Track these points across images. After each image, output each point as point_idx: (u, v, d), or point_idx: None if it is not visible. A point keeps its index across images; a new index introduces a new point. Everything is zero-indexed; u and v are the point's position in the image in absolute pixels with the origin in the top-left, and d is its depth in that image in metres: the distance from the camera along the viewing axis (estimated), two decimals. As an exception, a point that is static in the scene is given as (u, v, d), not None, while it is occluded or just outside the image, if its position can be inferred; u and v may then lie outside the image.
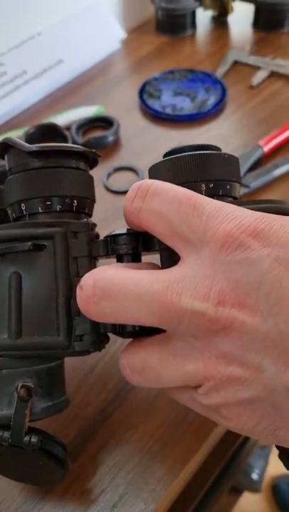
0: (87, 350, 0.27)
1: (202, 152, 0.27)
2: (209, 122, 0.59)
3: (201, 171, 0.27)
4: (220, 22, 0.76)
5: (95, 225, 0.29)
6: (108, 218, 0.48)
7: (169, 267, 0.25)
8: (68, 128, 0.57)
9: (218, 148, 0.28)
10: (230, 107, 0.61)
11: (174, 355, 0.24)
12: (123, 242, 0.27)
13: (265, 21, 0.73)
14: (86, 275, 0.25)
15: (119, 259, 0.28)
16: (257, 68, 0.66)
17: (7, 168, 0.29)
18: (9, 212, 0.29)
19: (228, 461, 0.58)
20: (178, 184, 0.25)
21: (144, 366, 0.25)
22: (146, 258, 0.29)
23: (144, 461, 0.33)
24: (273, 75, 0.65)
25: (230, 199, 0.27)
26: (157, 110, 0.60)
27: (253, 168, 0.52)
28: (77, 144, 0.29)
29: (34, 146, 0.27)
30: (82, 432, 0.34)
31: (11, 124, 0.60)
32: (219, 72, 0.66)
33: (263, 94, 0.62)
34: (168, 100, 0.61)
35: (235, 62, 0.68)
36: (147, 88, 0.63)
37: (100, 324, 0.27)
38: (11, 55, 0.62)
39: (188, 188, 0.25)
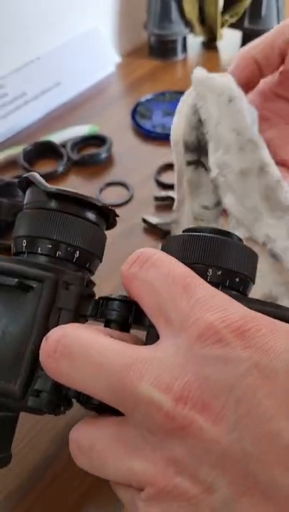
0: (40, 409, 0.25)
1: (219, 237, 0.26)
2: (197, 141, 0.63)
3: (213, 256, 0.25)
4: (210, 47, 0.80)
5: (92, 282, 0.28)
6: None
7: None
8: (64, 145, 0.61)
9: (240, 240, 0.27)
10: (217, 127, 0.65)
11: (124, 445, 0.21)
12: (115, 307, 0.26)
13: (251, 47, 0.77)
14: (57, 328, 0.23)
15: (107, 325, 0.26)
16: (243, 90, 0.70)
17: (24, 203, 0.29)
18: (12, 246, 0.29)
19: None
20: (186, 263, 0.24)
21: (91, 447, 0.22)
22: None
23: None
24: (259, 96, 0.69)
25: (236, 293, 0.26)
26: (148, 129, 0.64)
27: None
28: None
29: (54, 188, 0.27)
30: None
31: (11, 141, 0.64)
32: (208, 94, 0.70)
33: (248, 115, 0.66)
34: (158, 120, 0.65)
35: (223, 85, 0.72)
36: (139, 109, 0.67)
37: (63, 385, 0.24)
38: (11, 77, 0.66)
39: (195, 269, 0.24)
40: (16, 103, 0.65)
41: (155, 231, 0.51)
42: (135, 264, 0.24)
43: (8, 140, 0.64)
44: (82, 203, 0.28)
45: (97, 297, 0.27)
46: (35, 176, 0.28)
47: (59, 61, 0.70)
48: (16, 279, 0.25)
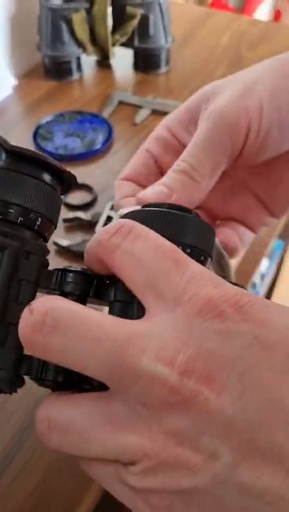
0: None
1: (188, 215, 0.25)
2: (99, 159, 0.65)
3: (181, 233, 0.25)
4: (103, 65, 0.82)
5: (48, 251, 0.26)
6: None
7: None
8: None
9: (198, 215, 0.26)
10: (117, 144, 0.67)
11: (112, 421, 0.21)
12: (73, 280, 0.24)
13: (143, 64, 0.80)
14: (40, 299, 0.22)
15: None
16: (139, 107, 0.73)
17: None
18: None
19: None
20: None
21: (69, 426, 0.21)
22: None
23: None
24: (154, 112, 0.72)
25: None
26: (51, 151, 0.65)
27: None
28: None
29: (17, 147, 0.25)
30: None
31: None
32: (105, 113, 0.72)
33: (146, 131, 0.69)
34: (60, 141, 0.67)
35: (120, 102, 0.74)
36: (40, 131, 0.68)
37: (22, 363, 0.23)
38: None
39: None
40: None
41: (66, 253, 0.52)
42: (118, 234, 0.23)
43: None
44: (46, 166, 0.25)
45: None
46: None
47: None
48: None
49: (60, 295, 0.24)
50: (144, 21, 0.76)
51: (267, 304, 0.21)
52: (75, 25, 0.75)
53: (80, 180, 0.61)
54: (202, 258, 0.25)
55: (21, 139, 0.68)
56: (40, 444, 0.38)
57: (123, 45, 0.80)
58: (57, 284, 0.24)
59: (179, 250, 0.23)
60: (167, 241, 0.23)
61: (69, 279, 0.24)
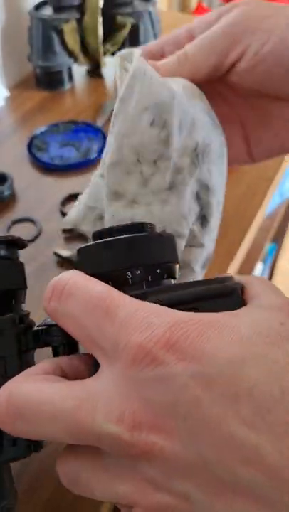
0: (23, 455, 0.26)
1: (126, 236, 0.25)
2: (95, 168, 0.65)
3: (126, 257, 0.25)
4: (95, 74, 0.83)
5: (26, 314, 0.28)
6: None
7: (97, 367, 0.23)
8: None
9: (152, 226, 0.27)
10: (112, 153, 0.67)
11: (105, 470, 0.23)
12: (55, 333, 0.26)
13: (135, 72, 0.80)
14: (2, 389, 0.23)
15: (55, 351, 0.26)
16: (133, 115, 0.73)
17: None
18: None
19: None
20: (107, 271, 0.24)
21: (77, 478, 0.23)
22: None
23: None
24: (148, 120, 0.72)
25: (166, 281, 0.26)
26: (46, 162, 0.65)
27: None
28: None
29: None
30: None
31: None
32: (99, 122, 0.72)
33: (140, 139, 0.69)
34: (55, 152, 0.67)
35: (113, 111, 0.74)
36: (35, 142, 0.68)
37: None
38: None
39: (117, 276, 0.24)
40: None
41: (68, 263, 0.52)
42: (53, 297, 0.24)
43: None
44: None
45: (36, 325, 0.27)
46: None
47: None
48: None
49: (52, 350, 0.26)
50: (135, 30, 0.77)
51: (203, 331, 0.21)
52: (66, 36, 0.75)
53: (77, 189, 0.61)
54: (158, 270, 0.25)
55: (16, 150, 0.68)
56: (49, 459, 0.38)
57: (114, 54, 0.80)
58: (42, 340, 0.26)
59: (108, 296, 0.23)
60: (98, 287, 0.23)
61: (51, 334, 0.26)
